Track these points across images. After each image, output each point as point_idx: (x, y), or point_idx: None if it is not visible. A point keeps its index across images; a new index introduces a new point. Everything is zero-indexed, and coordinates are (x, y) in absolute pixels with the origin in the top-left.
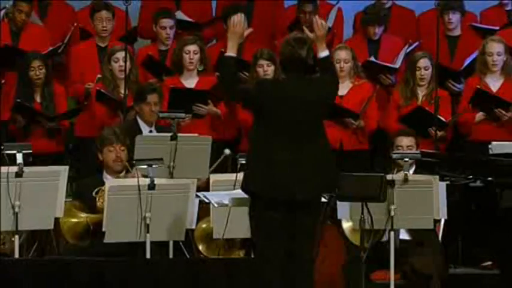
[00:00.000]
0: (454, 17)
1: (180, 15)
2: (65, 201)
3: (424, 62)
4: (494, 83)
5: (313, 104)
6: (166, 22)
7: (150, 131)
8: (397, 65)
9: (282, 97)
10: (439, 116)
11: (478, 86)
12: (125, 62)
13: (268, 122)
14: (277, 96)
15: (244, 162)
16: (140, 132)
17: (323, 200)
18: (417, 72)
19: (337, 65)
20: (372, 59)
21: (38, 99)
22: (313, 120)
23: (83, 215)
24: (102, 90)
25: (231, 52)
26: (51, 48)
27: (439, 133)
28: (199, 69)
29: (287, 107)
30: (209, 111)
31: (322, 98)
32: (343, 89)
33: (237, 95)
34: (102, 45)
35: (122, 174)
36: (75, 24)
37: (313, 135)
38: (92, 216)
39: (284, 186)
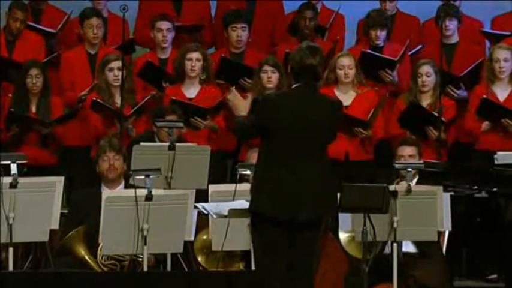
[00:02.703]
0: (452, 24)
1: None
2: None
3: (426, 68)
4: (501, 92)
5: (318, 121)
6: (163, 24)
7: None
8: (396, 58)
9: (287, 115)
10: (433, 113)
11: (485, 96)
12: (122, 70)
13: (272, 140)
14: (281, 115)
15: (244, 172)
16: None
17: None
18: (419, 79)
19: (341, 72)
20: (367, 50)
21: (33, 109)
22: (317, 138)
23: (82, 251)
24: (98, 100)
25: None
26: (47, 58)
27: (436, 133)
28: (202, 77)
29: (291, 124)
30: (207, 125)
31: (327, 118)
32: (348, 98)
33: (251, 137)
34: (92, 52)
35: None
36: (69, 13)
37: (317, 154)
38: (88, 258)
39: (286, 207)
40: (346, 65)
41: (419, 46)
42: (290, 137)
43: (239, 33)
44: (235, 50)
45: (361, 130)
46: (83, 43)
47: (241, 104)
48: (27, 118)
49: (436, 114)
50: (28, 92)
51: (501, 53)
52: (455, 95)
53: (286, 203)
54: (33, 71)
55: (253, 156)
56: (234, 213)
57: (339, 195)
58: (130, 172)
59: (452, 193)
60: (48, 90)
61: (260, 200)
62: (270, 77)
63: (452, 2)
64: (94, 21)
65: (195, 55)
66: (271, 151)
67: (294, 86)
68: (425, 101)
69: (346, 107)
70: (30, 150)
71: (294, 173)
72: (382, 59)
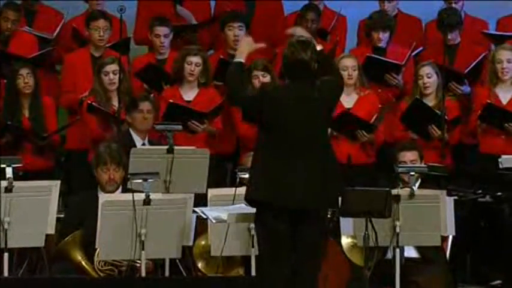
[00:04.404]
0: (454, 34)
1: (181, 11)
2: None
3: (426, 70)
4: (504, 95)
5: (318, 108)
6: (161, 30)
7: (143, 144)
8: (401, 62)
9: (287, 101)
10: (435, 111)
11: (489, 101)
12: (119, 72)
13: (273, 128)
14: (281, 100)
15: (243, 175)
16: (133, 145)
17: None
18: (420, 81)
19: (345, 73)
20: (373, 54)
21: (26, 113)
22: (319, 125)
23: (79, 256)
24: (93, 103)
25: (240, 58)
26: (39, 52)
27: (438, 132)
28: (201, 81)
29: (292, 111)
30: (205, 130)
31: (326, 102)
32: (350, 100)
33: (241, 101)
34: (97, 54)
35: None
36: (65, 17)
37: (319, 141)
38: (84, 263)
39: (293, 195)
40: (349, 66)
41: (421, 48)
42: (291, 127)
43: (236, 32)
44: (233, 50)
45: (365, 133)
46: (86, 45)
47: (247, 50)
48: (23, 130)
49: (440, 113)
50: (19, 95)
51: (504, 54)
52: (459, 91)
53: (293, 192)
54: (24, 71)
55: (250, 160)
56: (234, 217)
57: (340, 199)
58: (128, 176)
59: (455, 197)
60: (39, 91)
61: (262, 189)
62: (262, 81)
63: (454, 2)
64: (101, 23)
65: (195, 59)
66: (271, 139)
67: (288, 81)
68: (429, 103)
69: (349, 109)
70: (26, 157)
71: (298, 160)
72: (388, 63)
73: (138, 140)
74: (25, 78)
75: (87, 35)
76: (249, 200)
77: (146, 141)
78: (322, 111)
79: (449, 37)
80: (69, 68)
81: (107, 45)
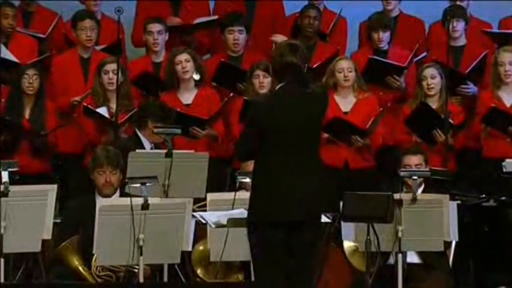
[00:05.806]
0: (459, 25)
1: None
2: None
3: (430, 71)
4: (508, 97)
5: (308, 120)
6: (153, 27)
7: (152, 148)
8: (404, 64)
9: (279, 117)
10: (441, 115)
11: (493, 105)
12: (117, 74)
13: (267, 142)
14: (274, 117)
15: (243, 179)
16: (142, 147)
17: (327, 220)
18: (423, 83)
19: (341, 75)
20: (376, 56)
21: (26, 114)
22: (309, 136)
23: (76, 262)
24: (89, 107)
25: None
26: (37, 58)
27: (443, 137)
28: (196, 78)
29: (283, 125)
30: (206, 134)
31: (316, 114)
32: (347, 104)
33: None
34: (85, 55)
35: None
36: (59, 16)
37: (313, 153)
38: (82, 268)
39: (283, 209)
40: (345, 67)
41: (424, 53)
42: (285, 139)
43: (236, 36)
44: (233, 53)
45: (358, 138)
46: (75, 46)
47: None
48: (21, 128)
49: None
50: (23, 95)
51: (506, 56)
52: (470, 93)
53: (285, 205)
54: (31, 71)
55: (248, 163)
56: (233, 222)
57: (341, 203)
58: (126, 180)
59: (459, 202)
60: (44, 94)
61: (261, 208)
62: (262, 82)
63: (459, 2)
64: (87, 23)
65: (183, 57)
66: (267, 155)
67: (279, 86)
68: (432, 105)
69: (346, 113)
70: (23, 158)
71: (292, 175)
72: (390, 65)
73: (146, 143)
74: (30, 79)
75: (73, 36)
76: (250, 221)
77: (152, 145)
78: (314, 121)
79: (455, 27)
80: (58, 70)
81: (101, 47)
